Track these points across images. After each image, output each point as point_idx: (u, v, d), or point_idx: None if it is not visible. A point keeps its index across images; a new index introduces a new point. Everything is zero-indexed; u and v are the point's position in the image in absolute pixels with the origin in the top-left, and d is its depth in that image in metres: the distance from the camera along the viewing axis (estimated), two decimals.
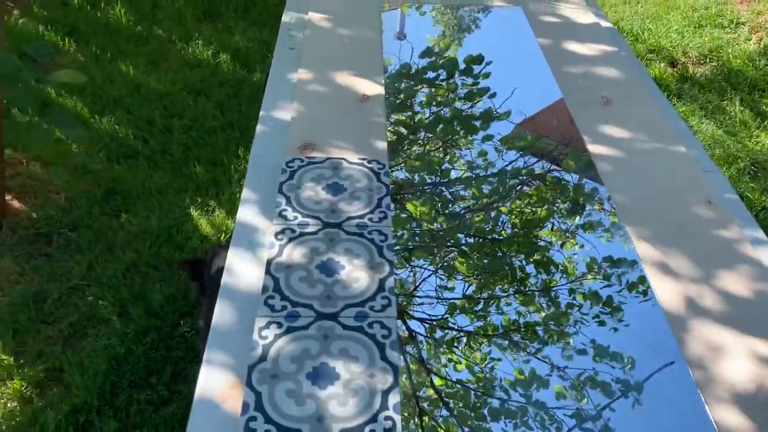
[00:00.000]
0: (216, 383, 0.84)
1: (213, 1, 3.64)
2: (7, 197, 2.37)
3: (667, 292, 0.99)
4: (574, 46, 1.60)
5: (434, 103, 1.40)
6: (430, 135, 1.31)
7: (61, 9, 3.53)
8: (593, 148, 1.28)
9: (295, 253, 1.00)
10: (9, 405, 1.76)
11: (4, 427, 1.70)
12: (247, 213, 1.10)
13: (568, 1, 1.82)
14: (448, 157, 1.26)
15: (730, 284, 1.00)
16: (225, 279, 0.98)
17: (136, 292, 2.04)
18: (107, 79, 3.01)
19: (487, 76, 1.49)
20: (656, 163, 1.24)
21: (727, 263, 1.03)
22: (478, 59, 1.55)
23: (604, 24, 1.73)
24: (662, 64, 3.27)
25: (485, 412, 0.83)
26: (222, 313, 0.93)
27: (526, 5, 1.79)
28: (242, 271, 1.00)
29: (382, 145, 1.25)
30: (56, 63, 3.16)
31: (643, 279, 1.01)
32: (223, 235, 2.26)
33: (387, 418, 0.79)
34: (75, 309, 2.00)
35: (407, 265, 1.02)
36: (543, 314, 0.96)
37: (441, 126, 1.33)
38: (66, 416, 1.71)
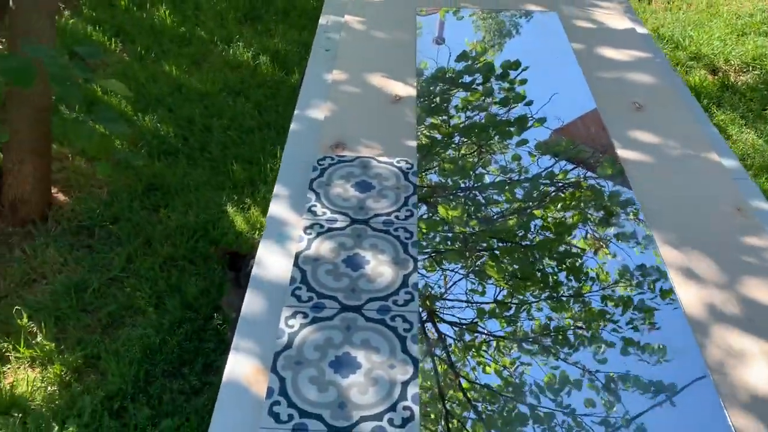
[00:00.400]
0: (243, 368, 0.88)
1: (254, 4, 3.72)
2: (53, 190, 2.46)
3: (690, 296, 0.99)
4: (607, 52, 1.60)
5: (467, 107, 1.43)
6: (463, 138, 1.34)
7: (108, 10, 3.64)
8: (623, 153, 1.28)
9: (322, 247, 1.04)
10: (49, 389, 1.83)
11: (44, 409, 1.77)
12: (278, 207, 1.14)
13: (604, 7, 1.82)
14: (479, 161, 1.27)
15: (755, 290, 1.00)
16: (255, 270, 1.02)
17: (173, 284, 2.10)
18: (150, 78, 3.10)
19: (523, 82, 1.51)
20: (686, 170, 1.24)
21: (752, 269, 1.03)
22: (514, 64, 1.56)
23: (640, 30, 1.73)
24: (703, 72, 3.23)
25: (513, 415, 0.84)
26: (251, 303, 0.97)
27: (561, 10, 1.80)
28: (271, 263, 1.03)
29: (412, 145, 1.28)
30: (104, 62, 3.26)
31: (667, 284, 1.02)
32: (257, 232, 2.31)
33: (405, 407, 0.82)
34: (113, 299, 2.07)
35: (438, 268, 1.03)
36: (571, 318, 0.97)
37: (473, 129, 1.35)
38: (102, 401, 1.77)
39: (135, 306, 2.06)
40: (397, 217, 1.09)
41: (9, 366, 1.88)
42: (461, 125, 1.37)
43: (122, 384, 1.81)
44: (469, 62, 1.58)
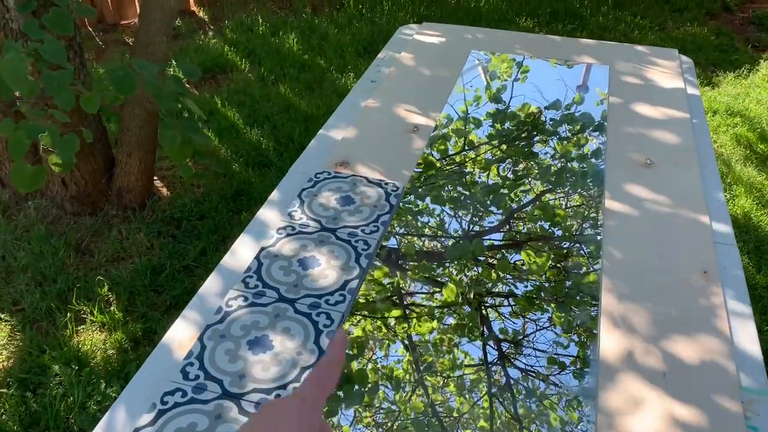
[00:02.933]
0: (181, 334, 1.02)
1: (375, 38, 3.96)
2: (158, 184, 2.79)
3: (611, 342, 1.01)
4: (642, 108, 1.61)
5: (471, 145, 1.50)
6: (455, 170, 1.42)
7: (246, 34, 4.05)
8: (609, 204, 1.30)
9: (286, 247, 1.17)
10: (109, 352, 2.09)
11: (99, 367, 2.03)
12: (267, 210, 1.29)
13: (661, 65, 1.82)
14: (452, 196, 1.35)
15: (681, 349, 1.00)
16: (225, 258, 1.17)
17: None
18: (265, 97, 3.41)
19: (538, 126, 1.56)
20: (668, 228, 1.24)
21: (689, 330, 1.03)
22: (536, 111, 1.61)
23: (690, 91, 1.71)
24: None
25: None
26: (210, 284, 1.12)
27: (614, 65, 1.82)
28: (242, 254, 1.18)
29: (408, 171, 1.38)
30: (229, 79, 3.63)
31: (593, 324, 1.04)
32: None
33: (295, 388, 0.92)
34: (180, 284, 2.32)
35: (520, 316, 1.08)
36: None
37: (467, 165, 1.43)
38: None
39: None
40: (362, 231, 1.20)
41: (83, 326, 2.18)
42: (460, 160, 1.45)
43: None
44: (495, 104, 1.66)
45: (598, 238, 1.22)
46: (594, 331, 1.04)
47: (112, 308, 2.23)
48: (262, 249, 1.16)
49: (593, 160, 1.45)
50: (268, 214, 1.28)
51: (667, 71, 1.79)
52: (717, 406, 0.91)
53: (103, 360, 2.05)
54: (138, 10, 4.02)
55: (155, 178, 2.79)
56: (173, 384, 0.93)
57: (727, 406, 0.92)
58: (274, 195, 1.34)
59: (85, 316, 2.20)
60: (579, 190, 1.36)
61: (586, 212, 1.30)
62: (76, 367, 1.99)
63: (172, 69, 3.45)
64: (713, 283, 1.12)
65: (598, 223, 1.26)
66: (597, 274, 1.15)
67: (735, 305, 1.09)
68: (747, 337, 1.04)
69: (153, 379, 0.96)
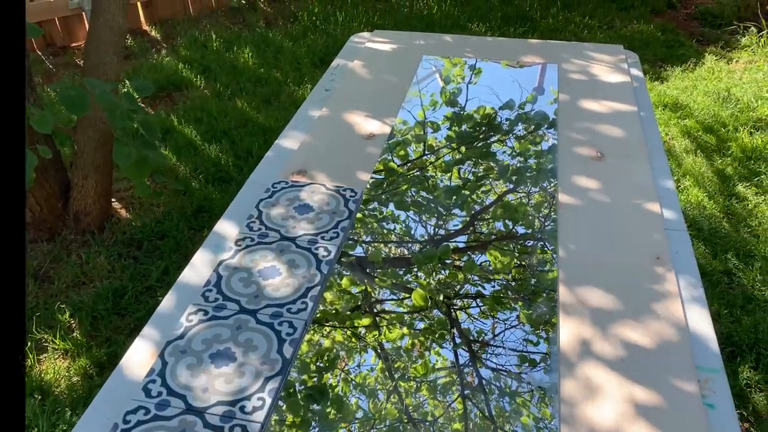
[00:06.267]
0: (142, 352, 1.01)
1: (330, 49, 3.98)
2: (117, 206, 2.75)
3: (569, 333, 1.03)
4: (591, 104, 1.65)
5: (431, 149, 1.52)
6: (416, 174, 1.43)
7: (201, 50, 4.02)
8: (563, 198, 1.33)
9: (245, 258, 1.16)
10: (73, 379, 2.05)
11: (64, 396, 1.98)
12: (225, 223, 1.28)
13: (607, 62, 1.86)
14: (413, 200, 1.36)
15: (635, 334, 1.02)
16: (184, 274, 1.16)
17: None
18: (222, 112, 3.39)
19: (492, 127, 1.58)
20: (620, 217, 1.27)
21: (644, 315, 1.05)
22: (491, 113, 1.64)
23: (636, 85, 1.76)
24: (764, 135, 3.11)
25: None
26: (170, 299, 1.11)
27: (561, 64, 1.86)
28: (200, 268, 1.17)
29: (366, 177, 1.39)
30: (185, 96, 3.60)
31: (553, 317, 1.06)
32: None
33: (259, 398, 0.92)
34: (144, 306, 2.29)
35: (489, 316, 1.09)
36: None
37: (425, 171, 1.45)
38: None
39: None
40: (322, 238, 1.20)
41: (45, 355, 2.13)
42: (421, 164, 1.46)
43: None
44: (449, 108, 1.68)
45: (555, 232, 1.25)
46: (555, 324, 1.06)
47: (74, 334, 2.18)
48: (221, 262, 1.16)
49: (549, 156, 1.47)
50: (225, 227, 1.28)
51: (614, 67, 1.84)
52: (674, 387, 0.94)
53: (67, 388, 2.01)
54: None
55: (113, 199, 2.75)
56: (135, 402, 0.92)
57: (684, 386, 0.94)
58: (232, 207, 1.33)
59: (46, 344, 2.15)
60: (537, 186, 1.38)
61: (544, 208, 1.32)
62: (39, 397, 1.94)
63: (124, 88, 3.41)
64: (666, 268, 1.15)
65: (554, 217, 1.28)
66: (556, 268, 1.17)
67: (687, 288, 1.12)
68: (700, 318, 1.06)
69: (114, 399, 0.94)
